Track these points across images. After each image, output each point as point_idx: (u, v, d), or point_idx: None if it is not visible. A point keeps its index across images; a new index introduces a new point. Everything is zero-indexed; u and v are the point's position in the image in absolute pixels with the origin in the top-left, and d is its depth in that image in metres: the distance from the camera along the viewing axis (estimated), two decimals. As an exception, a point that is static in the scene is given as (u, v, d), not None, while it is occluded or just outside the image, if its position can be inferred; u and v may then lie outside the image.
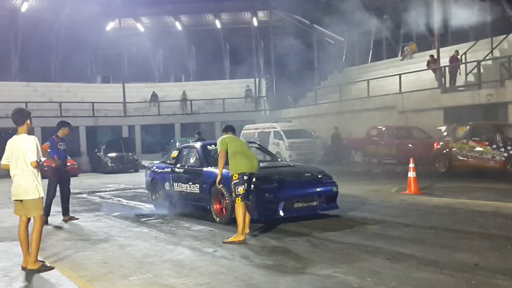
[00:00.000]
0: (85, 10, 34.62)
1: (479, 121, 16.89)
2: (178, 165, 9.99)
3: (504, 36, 21.74)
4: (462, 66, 20.69)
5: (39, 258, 5.91)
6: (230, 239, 6.92)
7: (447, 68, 20.98)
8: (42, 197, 5.85)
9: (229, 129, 7.76)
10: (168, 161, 10.74)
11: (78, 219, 9.67)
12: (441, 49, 21.43)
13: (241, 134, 23.72)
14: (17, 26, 33.14)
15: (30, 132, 5.93)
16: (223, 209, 8.35)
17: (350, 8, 26.99)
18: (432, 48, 22.98)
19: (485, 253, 5.78)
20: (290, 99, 30.49)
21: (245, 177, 7.16)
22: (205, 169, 8.92)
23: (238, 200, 7.08)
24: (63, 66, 35.30)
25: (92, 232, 8.27)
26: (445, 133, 16.17)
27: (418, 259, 5.59)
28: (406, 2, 25.39)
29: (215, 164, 8.10)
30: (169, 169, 10.16)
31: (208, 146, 9.63)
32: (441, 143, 15.97)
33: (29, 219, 5.87)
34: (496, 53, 21.01)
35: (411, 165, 11.37)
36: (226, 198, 8.11)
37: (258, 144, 10.85)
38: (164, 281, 5.16)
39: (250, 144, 9.68)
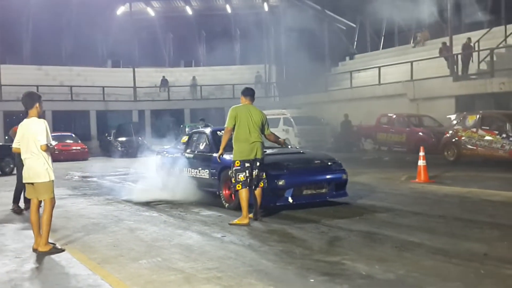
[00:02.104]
0: (96, -7, 34.56)
1: (490, 109, 16.72)
2: (188, 150, 10.04)
3: (518, 23, 21.43)
4: (475, 54, 20.45)
5: (50, 240, 5.98)
6: (235, 221, 7.10)
7: (459, 56, 20.76)
8: (53, 180, 5.90)
9: (248, 93, 7.53)
10: (178, 146, 10.69)
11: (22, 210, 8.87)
12: (453, 37, 21.18)
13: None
14: (28, 10, 33.18)
15: (42, 115, 5.96)
16: (232, 195, 8.35)
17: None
18: (445, 35, 22.72)
19: (495, 242, 5.77)
20: (300, 85, 30.36)
21: (247, 164, 7.17)
22: (214, 154, 8.81)
23: (238, 186, 7.20)
24: (74, 49, 35.36)
25: (102, 215, 8.33)
26: (454, 122, 16.06)
27: (427, 247, 5.59)
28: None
29: (225, 151, 8.12)
30: (179, 154, 10.21)
31: (218, 132, 9.54)
32: (450, 131, 15.87)
33: (40, 202, 5.94)
34: (510, 41, 20.72)
35: (421, 153, 11.32)
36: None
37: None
38: (173, 265, 5.20)
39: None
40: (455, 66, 20.71)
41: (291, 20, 29.77)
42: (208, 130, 9.90)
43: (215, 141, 9.28)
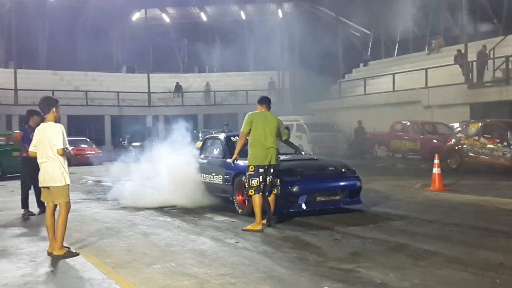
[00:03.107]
0: (111, -1, 34.95)
1: (504, 118, 16.63)
2: (202, 156, 10.05)
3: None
4: (490, 62, 20.30)
5: (65, 244, 6.02)
6: (248, 227, 7.12)
7: (474, 63, 20.61)
8: (69, 185, 5.94)
9: (264, 101, 7.56)
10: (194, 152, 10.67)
11: (34, 215, 8.92)
12: (468, 44, 21.03)
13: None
14: (44, 15, 33.62)
15: (58, 120, 6.02)
16: (246, 201, 8.33)
17: (377, 1, 26.69)
18: (460, 42, 22.58)
19: (511, 252, 5.69)
20: (314, 91, 30.34)
21: (261, 170, 7.18)
22: (228, 160, 8.77)
23: (251, 192, 7.21)
24: (89, 55, 35.71)
25: (116, 219, 8.38)
26: (457, 130, 16.13)
27: (442, 256, 5.54)
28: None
29: (239, 156, 8.11)
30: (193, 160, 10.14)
31: (232, 138, 9.55)
32: (453, 139, 15.95)
33: (55, 206, 5.98)
34: (526, 48, 20.54)
35: (436, 161, 11.25)
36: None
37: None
38: (187, 270, 5.21)
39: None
40: (470, 74, 20.56)
41: (305, 26, 29.83)
42: (222, 136, 9.88)
43: (229, 146, 9.29)
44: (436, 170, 11.15)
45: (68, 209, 5.95)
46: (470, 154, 15.02)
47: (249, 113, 7.47)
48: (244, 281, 4.81)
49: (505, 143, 14.09)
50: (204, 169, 9.68)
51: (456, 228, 7.07)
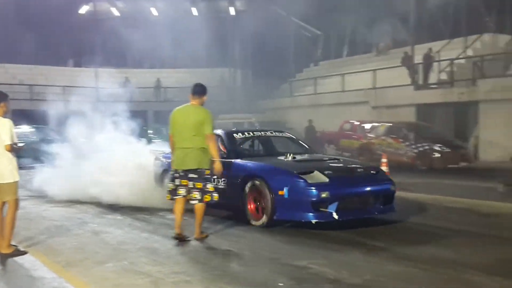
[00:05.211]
0: (59, -9, 33.89)
1: (446, 118, 17.94)
2: None
3: (478, 35, 22.15)
4: (436, 64, 21.03)
5: (12, 243, 5.83)
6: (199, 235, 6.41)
7: (420, 66, 21.29)
8: (17, 181, 5.76)
9: (195, 91, 6.44)
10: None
11: None
12: (416, 46, 21.72)
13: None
14: (-12, 6, 32.23)
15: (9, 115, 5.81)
16: (260, 209, 7.09)
17: (328, 2, 27.09)
18: (407, 45, 23.26)
19: (459, 248, 5.92)
20: (265, 90, 30.53)
21: (176, 174, 6.32)
22: (234, 160, 7.67)
23: (167, 196, 6.49)
24: (35, 48, 34.51)
25: (65, 217, 8.15)
26: (368, 130, 17.68)
27: (393, 252, 5.70)
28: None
29: (246, 156, 7.59)
30: None
31: (235, 134, 8.44)
32: (364, 139, 17.55)
33: (4, 203, 5.78)
34: (470, 52, 21.40)
35: (384, 160, 11.56)
36: (265, 194, 6.94)
37: (289, 135, 9.39)
38: (140, 269, 5.15)
39: (278, 133, 9.00)
40: (416, 76, 21.23)
41: (257, 25, 29.90)
42: (221, 132, 8.48)
43: (232, 144, 8.17)
44: (383, 169, 11.43)
45: (17, 207, 5.77)
46: (378, 152, 16.07)
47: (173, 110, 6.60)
48: (199, 279, 4.81)
49: (408, 143, 15.83)
50: None
51: (404, 226, 7.30)
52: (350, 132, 20.81)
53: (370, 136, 17.37)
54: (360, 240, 6.25)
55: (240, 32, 34.09)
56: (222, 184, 7.60)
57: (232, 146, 8.11)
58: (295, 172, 6.94)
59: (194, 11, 36.75)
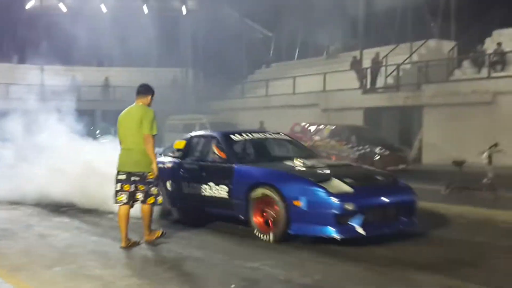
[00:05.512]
0: (3, -15, 32.70)
1: (389, 122, 18.55)
2: (189, 159, 7.77)
3: (423, 41, 22.93)
4: (383, 69, 21.63)
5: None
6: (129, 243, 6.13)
7: (368, 70, 21.85)
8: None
9: (139, 91, 6.28)
10: (171, 153, 8.21)
11: None
12: (364, 51, 22.28)
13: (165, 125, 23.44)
14: None
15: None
16: (270, 221, 6.30)
17: (279, 4, 27.39)
18: (356, 49, 23.82)
19: (401, 249, 6.13)
20: (217, 91, 30.52)
21: (119, 176, 6.07)
22: (236, 166, 6.92)
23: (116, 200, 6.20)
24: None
25: (10, 220, 7.89)
26: (314, 132, 18.16)
27: (342, 253, 5.83)
28: (333, 1, 26.09)
29: (248, 161, 7.08)
30: (173, 164, 7.85)
31: (232, 136, 7.60)
32: (309, 142, 17.69)
33: None
34: (415, 57, 22.13)
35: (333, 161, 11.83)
36: (277, 204, 6.18)
37: (288, 137, 8.76)
38: (90, 272, 5.07)
39: (276, 134, 8.40)
40: (364, 80, 21.77)
41: (210, 25, 29.90)
42: (217, 134, 7.77)
43: (231, 147, 7.37)
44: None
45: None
46: (324, 154, 16.45)
47: None
48: (151, 282, 4.78)
49: (350, 145, 16.39)
50: (192, 177, 7.49)
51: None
52: (300, 135, 21.11)
53: (315, 139, 17.81)
54: (310, 243, 6.36)
55: (192, 32, 33.93)
56: (222, 192, 6.94)
57: (231, 149, 7.31)
58: (312, 179, 6.21)
59: (145, 9, 36.28)
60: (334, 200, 5.87)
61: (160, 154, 8.10)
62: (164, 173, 7.48)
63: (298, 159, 6.98)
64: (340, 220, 5.86)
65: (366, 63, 22.02)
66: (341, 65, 24.26)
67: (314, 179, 6.21)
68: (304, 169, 6.65)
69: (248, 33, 33.79)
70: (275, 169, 6.74)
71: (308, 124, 21.04)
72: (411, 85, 20.08)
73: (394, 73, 21.11)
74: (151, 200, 6.09)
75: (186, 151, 7.89)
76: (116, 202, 6.12)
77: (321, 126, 18.12)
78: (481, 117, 16.99)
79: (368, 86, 21.62)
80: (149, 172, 6.05)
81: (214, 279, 4.90)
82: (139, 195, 6.07)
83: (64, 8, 36.53)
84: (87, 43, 38.72)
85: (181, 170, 7.67)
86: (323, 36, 28.64)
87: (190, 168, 7.59)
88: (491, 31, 20.50)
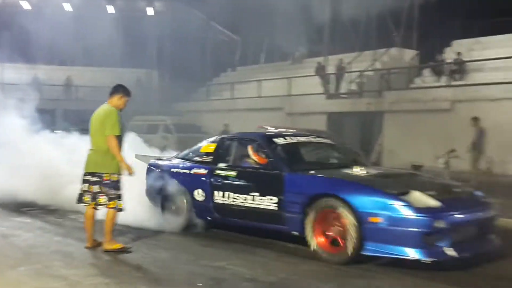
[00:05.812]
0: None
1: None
2: (223, 165, 6.80)
3: (386, 49, 23.48)
4: (347, 75, 22.04)
5: None
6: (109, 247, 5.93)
7: (332, 76, 22.25)
8: None
9: (112, 91, 6.23)
10: (197, 158, 7.26)
11: None
12: (329, 57, 22.67)
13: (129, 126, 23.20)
14: None
15: None
16: (340, 240, 5.44)
17: (245, 8, 27.52)
18: (321, 55, 24.18)
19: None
20: (182, 93, 30.44)
21: (84, 177, 5.97)
22: (287, 174, 6.04)
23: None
24: None
25: (-32, 221, 7.75)
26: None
27: (304, 252, 5.89)
28: (299, 8, 26.43)
29: (300, 168, 6.21)
30: (204, 170, 6.92)
31: (275, 139, 6.73)
32: None
33: None
34: (378, 65, 22.64)
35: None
36: (346, 219, 5.32)
37: (331, 141, 7.79)
38: (55, 272, 5.05)
39: (321, 138, 7.56)
40: (328, 85, 22.15)
41: (176, 27, 29.80)
42: (258, 136, 6.99)
43: (277, 152, 6.49)
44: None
45: None
46: None
47: None
48: (117, 281, 4.80)
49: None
50: (228, 185, 6.55)
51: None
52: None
53: None
54: (274, 242, 6.48)
55: (158, 33, 33.73)
56: (269, 204, 6.06)
57: (276, 154, 6.41)
58: (391, 191, 5.31)
59: (110, 9, 35.87)
60: (422, 216, 5.04)
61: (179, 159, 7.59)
62: (190, 181, 6.99)
63: (357, 167, 6.18)
64: (427, 240, 5.05)
65: (331, 69, 22.41)
66: (306, 70, 24.56)
67: (393, 191, 5.33)
68: (372, 178, 5.90)
69: (214, 36, 33.81)
70: (340, 178, 5.89)
71: (272, 127, 21.28)
72: (373, 91, 20.54)
73: (357, 79, 21.56)
74: (112, 204, 5.87)
75: (216, 156, 7.03)
76: (81, 202, 6.06)
77: (282, 129, 18.35)
78: (440, 123, 17.50)
79: (332, 91, 22.00)
80: (105, 174, 5.85)
81: (181, 278, 4.96)
82: (102, 199, 5.88)
83: (27, 6, 35.79)
84: (50, 42, 38.05)
85: (213, 177, 6.77)
86: (289, 42, 28.95)
87: (225, 175, 6.65)
88: (451, 41, 21.16)
